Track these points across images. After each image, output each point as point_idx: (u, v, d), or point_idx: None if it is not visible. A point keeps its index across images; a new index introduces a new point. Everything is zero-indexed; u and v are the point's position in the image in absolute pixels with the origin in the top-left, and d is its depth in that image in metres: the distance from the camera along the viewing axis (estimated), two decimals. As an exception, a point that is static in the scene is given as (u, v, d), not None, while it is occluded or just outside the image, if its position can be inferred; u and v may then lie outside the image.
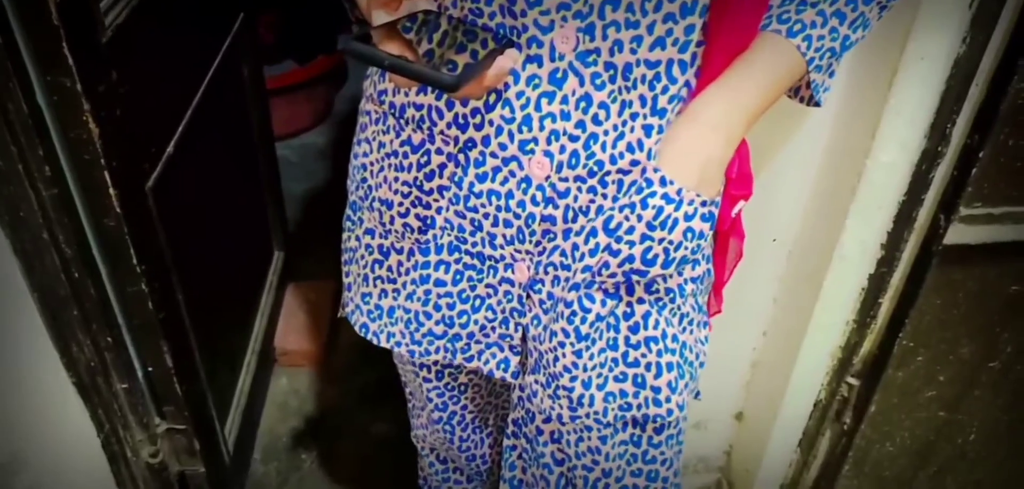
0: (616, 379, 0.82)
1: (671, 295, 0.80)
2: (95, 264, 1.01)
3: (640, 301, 0.79)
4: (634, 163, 0.73)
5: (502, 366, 0.89)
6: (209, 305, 1.35)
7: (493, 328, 0.87)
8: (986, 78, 0.95)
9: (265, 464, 1.59)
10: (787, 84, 0.73)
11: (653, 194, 0.72)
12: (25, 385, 1.01)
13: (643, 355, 0.81)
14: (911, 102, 0.97)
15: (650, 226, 0.72)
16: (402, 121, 0.78)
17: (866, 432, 1.22)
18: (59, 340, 0.99)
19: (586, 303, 0.78)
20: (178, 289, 1.17)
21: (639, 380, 0.82)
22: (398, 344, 0.91)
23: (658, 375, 0.82)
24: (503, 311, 0.85)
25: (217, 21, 1.44)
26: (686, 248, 0.75)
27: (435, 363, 1.02)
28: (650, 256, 0.74)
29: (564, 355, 0.81)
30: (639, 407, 0.83)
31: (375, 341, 0.92)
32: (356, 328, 0.94)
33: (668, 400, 0.82)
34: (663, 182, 0.71)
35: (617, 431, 0.86)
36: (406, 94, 0.76)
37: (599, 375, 0.82)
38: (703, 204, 0.73)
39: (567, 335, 0.80)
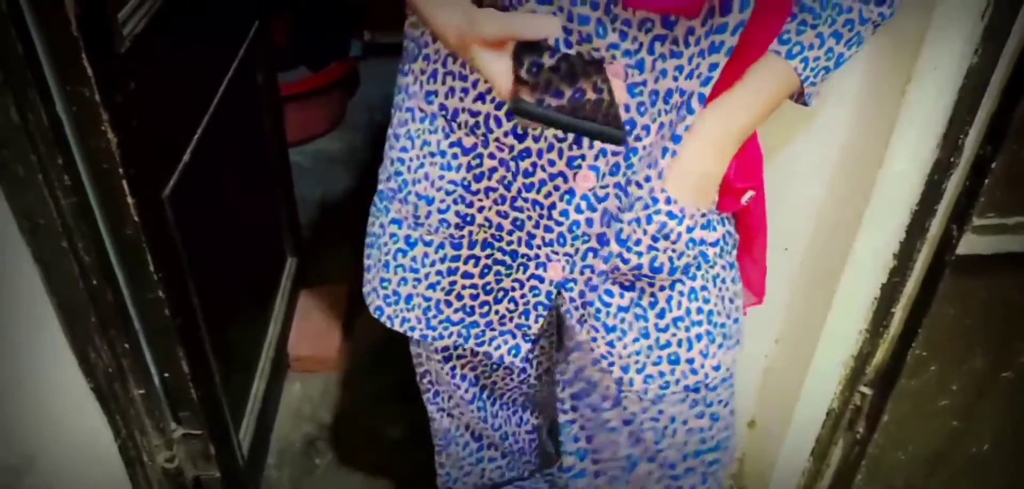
0: (654, 362, 0.87)
1: (697, 265, 0.83)
2: (113, 271, 1.03)
3: (661, 288, 0.84)
4: (647, 178, 0.78)
5: (513, 352, 0.93)
6: (224, 311, 1.37)
7: (511, 318, 0.91)
8: (999, 89, 0.94)
9: (279, 469, 1.60)
10: (781, 100, 0.78)
11: (658, 212, 0.78)
12: (43, 390, 1.02)
13: (673, 335, 0.86)
14: (924, 112, 0.97)
15: (654, 238, 0.78)
16: (454, 123, 0.80)
17: (879, 441, 1.22)
18: (77, 346, 1.01)
19: (606, 298, 0.84)
20: (194, 295, 1.19)
21: (673, 358, 0.87)
22: (412, 329, 0.94)
23: (690, 348, 0.86)
24: (526, 304, 0.89)
25: (232, 29, 1.46)
26: (689, 255, 0.81)
27: (445, 349, 1.06)
28: (657, 264, 0.80)
29: (597, 346, 0.87)
30: (677, 380, 0.88)
31: (389, 324, 0.95)
32: (371, 309, 0.97)
33: (702, 367, 0.88)
34: (667, 200, 0.77)
35: (662, 399, 0.91)
36: (461, 99, 0.78)
37: (636, 361, 0.86)
38: (702, 215, 0.80)
39: (596, 330, 0.86)
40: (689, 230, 0.79)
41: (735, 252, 0.90)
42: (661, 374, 0.88)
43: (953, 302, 1.08)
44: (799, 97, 0.79)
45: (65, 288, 0.97)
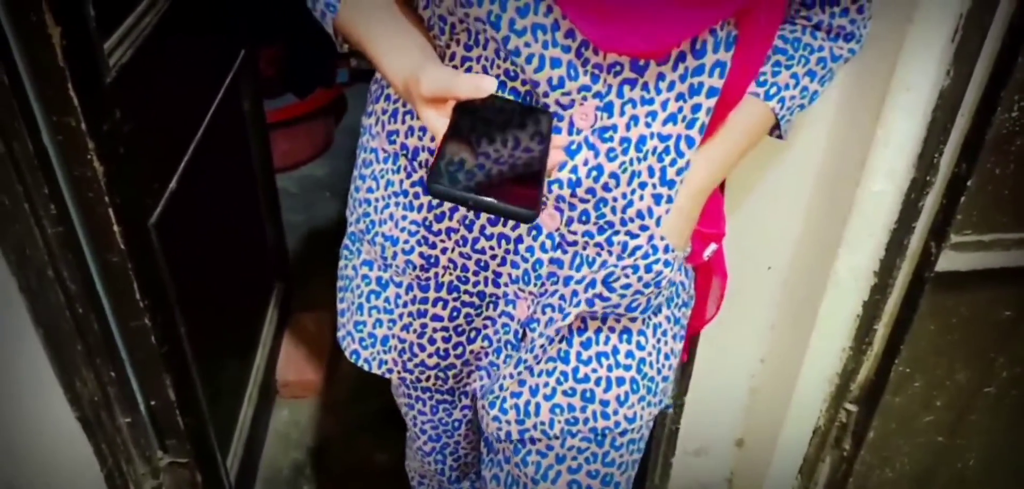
0: (565, 393, 0.84)
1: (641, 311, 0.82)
2: (99, 299, 1.03)
3: (593, 317, 0.82)
4: (643, 228, 0.76)
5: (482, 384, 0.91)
6: (211, 338, 1.36)
7: (486, 354, 0.89)
8: (971, 109, 0.97)
9: (266, 496, 1.59)
10: (758, 140, 0.80)
11: (657, 262, 0.77)
12: (29, 420, 1.02)
13: (594, 370, 0.83)
14: (899, 132, 0.99)
15: (646, 285, 0.78)
16: (414, 163, 0.79)
17: (866, 458, 1.22)
18: (63, 375, 1.00)
19: (549, 333, 0.81)
20: (180, 323, 1.18)
21: (587, 395, 0.84)
22: (390, 371, 0.93)
23: (607, 389, 0.84)
24: (499, 341, 0.87)
25: (219, 59, 1.46)
26: (663, 296, 0.81)
27: (436, 392, 1.03)
28: (634, 305, 0.79)
29: (516, 367, 0.84)
30: (585, 421, 0.85)
31: (366, 367, 0.94)
32: (347, 353, 0.95)
33: (615, 413, 0.84)
34: (667, 249, 0.77)
35: (564, 441, 0.87)
36: (420, 138, 0.78)
37: (547, 385, 0.84)
38: (684, 258, 0.81)
39: (530, 350, 0.83)
40: (672, 271, 0.79)
41: (685, 310, 0.89)
42: (571, 408, 0.84)
43: (934, 318, 1.10)
44: (773, 130, 0.81)
45: (51, 317, 0.97)
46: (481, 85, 0.61)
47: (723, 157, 0.77)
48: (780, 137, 0.81)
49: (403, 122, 0.79)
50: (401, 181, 0.81)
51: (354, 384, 1.82)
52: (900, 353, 1.11)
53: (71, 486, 1.08)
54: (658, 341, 0.85)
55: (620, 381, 0.84)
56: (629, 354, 0.83)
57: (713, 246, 0.85)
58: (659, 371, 0.86)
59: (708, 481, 1.47)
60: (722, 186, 0.87)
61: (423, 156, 0.78)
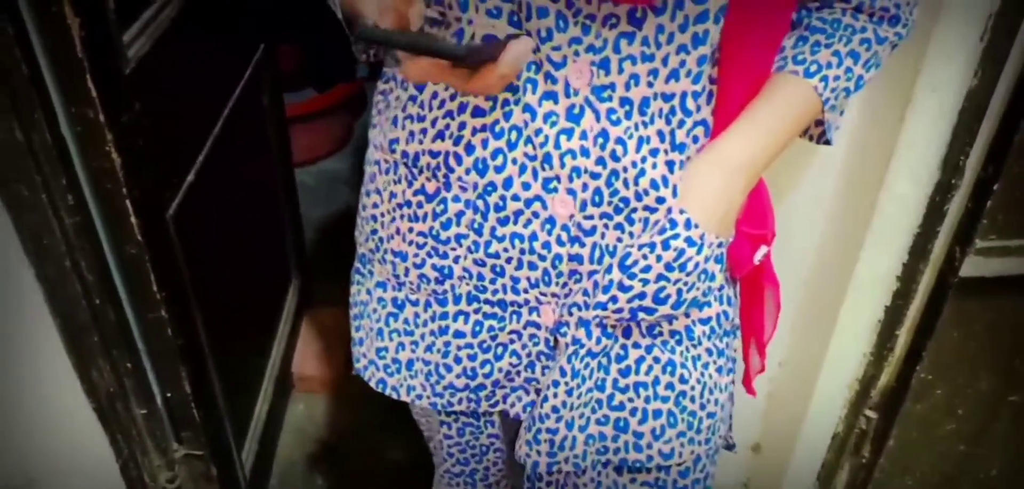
0: (598, 422, 0.80)
1: (677, 337, 0.78)
2: (116, 291, 1.03)
3: (636, 345, 0.78)
4: (660, 200, 0.71)
5: (528, 408, 0.86)
6: (228, 331, 1.37)
7: (518, 372, 0.84)
8: (999, 111, 0.94)
9: (281, 489, 1.60)
10: (804, 125, 0.74)
11: (676, 236, 0.71)
12: (45, 410, 1.03)
13: (630, 399, 0.80)
14: (924, 134, 0.97)
15: (668, 267, 0.72)
16: (415, 170, 0.76)
17: (885, 466, 1.20)
18: (79, 366, 1.01)
19: (579, 335, 0.77)
20: (197, 315, 1.19)
21: (621, 424, 0.80)
22: (419, 397, 0.88)
23: (643, 421, 0.80)
24: (529, 356, 0.83)
25: (238, 52, 1.47)
26: (698, 289, 0.75)
27: (462, 415, 0.99)
28: (662, 295, 0.73)
29: (555, 395, 0.79)
30: (616, 451, 0.81)
31: (395, 395, 0.90)
32: (372, 384, 0.91)
33: (649, 447, 0.81)
34: (688, 225, 0.71)
35: (600, 480, 0.84)
36: (420, 141, 0.74)
37: (582, 416, 0.80)
38: (719, 246, 0.74)
39: (563, 373, 0.78)
40: (706, 260, 0.72)
41: (728, 339, 0.83)
42: (602, 436, 0.80)
43: (958, 325, 1.07)
44: (821, 136, 0.76)
45: (68, 308, 0.97)
46: None
47: (759, 133, 0.71)
48: (827, 141, 0.76)
49: (403, 128, 0.76)
50: (404, 191, 0.78)
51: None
52: (922, 360, 1.08)
53: (87, 476, 1.09)
54: (701, 374, 0.80)
55: (657, 414, 0.79)
56: (669, 386, 0.79)
57: (764, 249, 0.79)
58: (702, 406, 0.81)
59: (723, 486, 1.45)
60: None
61: (424, 161, 0.75)
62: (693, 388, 0.80)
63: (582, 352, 0.77)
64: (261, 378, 1.60)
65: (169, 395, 1.16)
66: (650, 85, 0.67)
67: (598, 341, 0.77)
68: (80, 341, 1.00)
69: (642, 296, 0.73)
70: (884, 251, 1.05)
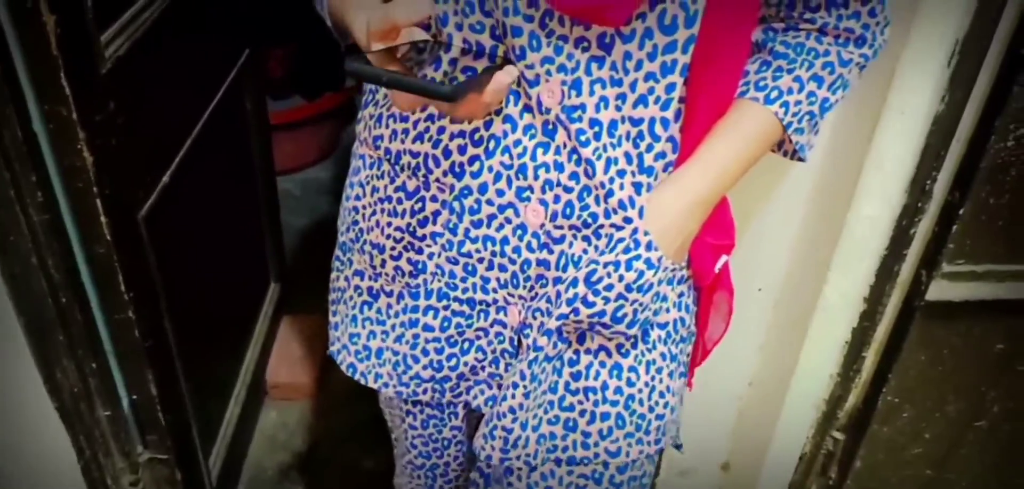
0: (549, 422, 0.83)
1: (632, 341, 0.80)
2: (83, 290, 1.03)
3: (587, 351, 0.81)
4: (627, 220, 0.74)
5: (490, 402, 0.89)
6: (199, 335, 1.36)
7: (482, 367, 0.87)
8: (966, 136, 0.96)
9: (250, 497, 1.58)
10: (766, 148, 0.76)
11: (638, 258, 0.73)
12: (7, 408, 1.02)
13: (579, 402, 0.82)
14: (892, 157, 0.98)
15: (628, 287, 0.74)
16: (397, 167, 0.79)
17: (852, 487, 1.21)
18: (43, 365, 1.00)
19: (539, 340, 0.79)
20: (166, 317, 1.18)
21: (570, 423, 0.83)
22: (385, 385, 0.91)
23: (591, 422, 0.83)
24: (494, 352, 0.86)
25: (221, 57, 1.47)
26: (650, 310, 0.78)
27: (427, 407, 1.01)
28: (620, 314, 0.76)
29: (514, 395, 0.82)
30: (565, 450, 0.84)
31: (362, 381, 0.92)
32: (343, 367, 0.94)
33: (596, 446, 0.84)
34: (649, 247, 0.73)
35: (552, 473, 0.87)
36: (402, 141, 0.77)
37: (535, 417, 0.83)
38: (673, 270, 0.77)
39: (523, 376, 0.81)
40: (660, 282, 0.76)
41: (682, 345, 0.86)
42: (553, 436, 0.83)
43: (924, 348, 1.08)
44: (793, 153, 0.77)
45: (33, 306, 0.97)
46: (419, 6, 0.60)
47: (722, 164, 0.73)
48: (800, 158, 0.77)
49: (387, 126, 0.78)
50: (385, 187, 0.81)
51: (345, 389, 1.81)
52: (888, 382, 1.09)
53: (49, 476, 1.08)
54: (652, 378, 0.83)
55: (605, 416, 0.82)
56: (618, 390, 0.82)
57: (724, 258, 0.81)
58: (651, 408, 0.84)
59: (694, 504, 1.45)
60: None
61: (405, 159, 0.77)
62: (641, 391, 0.83)
63: (540, 357, 0.80)
64: (233, 384, 1.59)
65: (135, 397, 1.15)
66: (618, 109, 0.70)
67: (554, 345, 0.80)
68: (45, 340, 0.99)
69: (602, 314, 0.76)
70: (852, 272, 1.06)
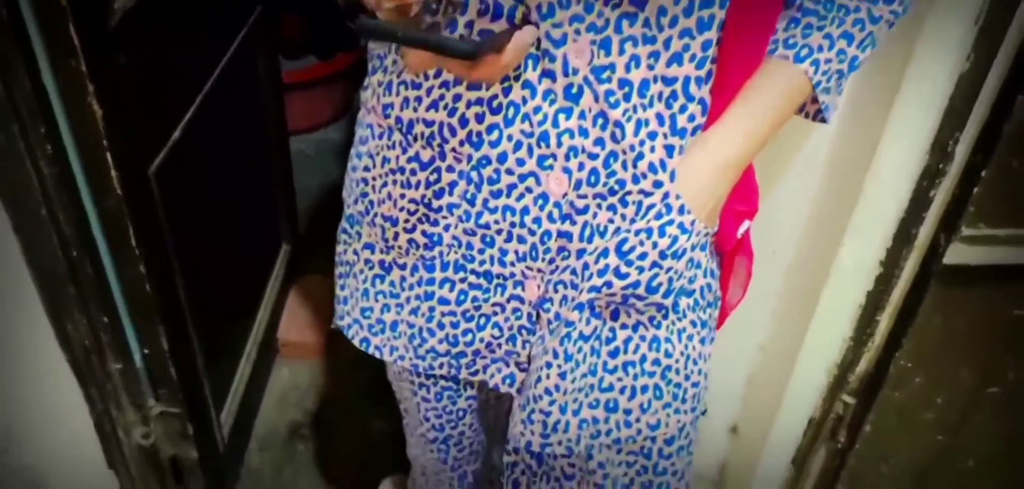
0: (590, 406, 0.82)
1: (664, 312, 0.79)
2: (94, 244, 1.03)
3: (623, 327, 0.79)
4: (657, 184, 0.71)
5: (508, 381, 0.88)
6: (211, 292, 1.37)
7: (499, 344, 0.85)
8: (991, 97, 0.93)
9: (261, 453, 1.60)
10: (794, 109, 0.73)
11: (671, 223, 0.71)
12: (20, 362, 1.03)
13: (619, 379, 0.81)
14: (914, 118, 0.95)
15: (662, 254, 0.72)
16: (410, 137, 0.75)
17: (860, 452, 1.20)
18: (55, 318, 1.01)
19: (572, 317, 0.77)
20: (178, 274, 1.19)
21: (611, 404, 0.82)
22: (401, 358, 0.90)
23: (631, 398, 0.82)
24: (511, 328, 0.84)
25: (233, 12, 1.46)
26: (685, 277, 0.76)
27: (441, 379, 1.00)
28: (655, 284, 0.74)
29: (548, 376, 0.80)
30: (608, 432, 0.83)
31: (377, 355, 0.91)
32: (356, 342, 0.93)
33: (637, 422, 0.83)
34: (682, 210, 0.71)
35: (591, 453, 0.86)
36: (415, 109, 0.74)
37: (576, 400, 0.81)
38: (706, 235, 0.75)
39: (556, 356, 0.79)
40: (693, 248, 0.73)
41: (710, 310, 0.85)
42: (595, 420, 0.82)
43: (940, 313, 1.06)
44: (816, 114, 0.75)
45: (44, 258, 0.97)
46: None
47: (753, 125, 0.71)
48: (823, 119, 0.75)
49: (397, 94, 0.75)
50: (397, 157, 0.78)
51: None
52: (902, 347, 1.08)
53: (60, 429, 1.09)
54: (685, 347, 0.82)
55: (644, 389, 0.81)
56: (656, 362, 0.81)
57: (747, 223, 0.80)
58: (686, 377, 0.83)
59: (700, 467, 1.45)
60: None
61: (418, 128, 0.74)
62: (677, 361, 0.82)
63: (574, 335, 0.78)
64: (245, 341, 1.60)
65: (147, 352, 1.16)
66: (651, 68, 0.67)
67: (588, 321, 0.78)
68: (56, 293, 1.00)
69: (636, 285, 0.73)
70: (868, 236, 1.04)
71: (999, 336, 1.10)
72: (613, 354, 0.80)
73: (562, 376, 0.79)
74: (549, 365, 0.80)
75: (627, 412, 0.82)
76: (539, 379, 0.81)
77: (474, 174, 0.74)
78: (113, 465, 1.18)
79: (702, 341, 0.84)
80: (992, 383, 1.14)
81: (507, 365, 0.87)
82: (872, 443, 1.19)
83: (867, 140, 0.99)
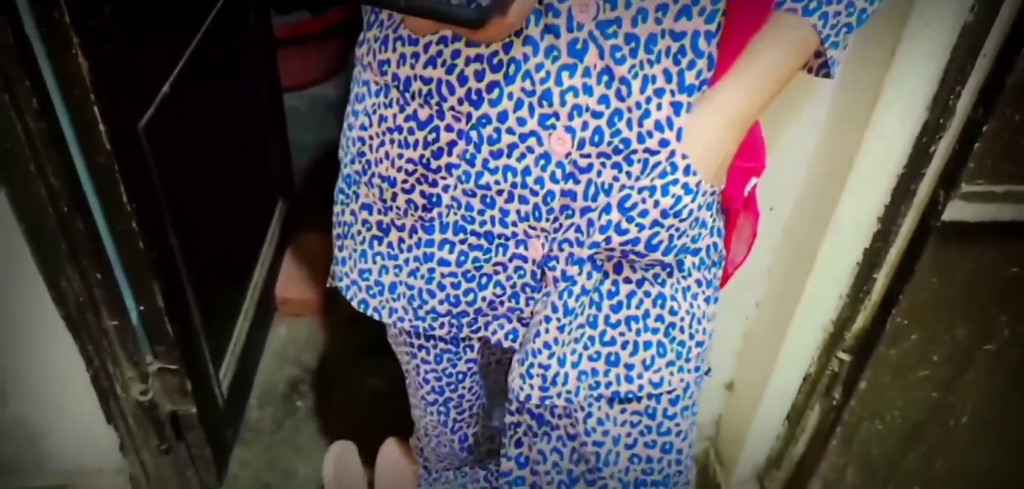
0: (590, 358, 0.81)
1: (668, 269, 0.78)
2: (85, 199, 1.02)
3: (627, 281, 0.78)
4: (663, 142, 0.69)
5: (510, 336, 0.87)
6: (206, 249, 1.36)
7: (502, 302, 0.84)
8: (994, 50, 0.91)
9: (260, 409, 1.61)
10: (802, 63, 0.71)
11: (676, 182, 0.70)
12: (15, 318, 1.03)
13: (621, 333, 0.80)
14: (914, 72, 0.94)
15: (664, 213, 0.71)
16: (407, 95, 0.73)
17: (855, 408, 1.20)
18: (48, 273, 1.01)
19: (571, 272, 0.76)
20: (171, 230, 1.18)
21: (612, 358, 0.81)
22: (401, 320, 0.88)
23: (634, 353, 0.81)
24: (513, 286, 0.82)
25: (221, -36, 1.43)
26: (688, 236, 0.74)
27: (440, 341, 0.99)
28: (655, 242, 0.72)
29: (548, 330, 0.79)
30: (608, 385, 0.83)
31: (376, 317, 0.90)
32: (354, 304, 0.91)
33: (640, 377, 0.82)
34: (687, 171, 0.69)
35: (591, 411, 0.86)
36: (412, 66, 0.72)
37: (574, 352, 0.80)
38: (712, 194, 0.74)
39: (555, 310, 0.78)
40: (698, 208, 0.72)
41: (715, 270, 0.84)
42: (594, 372, 0.82)
43: (937, 270, 1.06)
44: (821, 68, 0.73)
45: (34, 214, 0.97)
46: None
47: (760, 81, 0.69)
48: (827, 74, 0.73)
49: (394, 50, 0.72)
50: (394, 116, 0.75)
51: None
52: (899, 304, 1.07)
53: (57, 386, 1.10)
54: (690, 305, 0.81)
55: (647, 345, 0.80)
56: (659, 318, 0.80)
57: (754, 181, 0.78)
58: (690, 336, 0.82)
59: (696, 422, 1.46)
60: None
61: (416, 86, 0.72)
62: (682, 319, 0.81)
63: (574, 289, 0.77)
64: (242, 299, 1.60)
65: (143, 308, 1.15)
66: (658, 22, 0.65)
67: (589, 276, 0.77)
68: (48, 248, 0.99)
69: (635, 241, 0.72)
70: (867, 192, 1.03)
71: (995, 293, 1.09)
72: (615, 308, 0.79)
73: (561, 329, 0.78)
74: (548, 319, 0.79)
75: (628, 366, 0.81)
76: (538, 333, 0.80)
77: (473, 134, 0.72)
78: (112, 420, 1.19)
79: (707, 300, 0.83)
80: (987, 340, 1.14)
81: (509, 321, 0.86)
82: (867, 400, 1.19)
83: (867, 94, 0.97)
